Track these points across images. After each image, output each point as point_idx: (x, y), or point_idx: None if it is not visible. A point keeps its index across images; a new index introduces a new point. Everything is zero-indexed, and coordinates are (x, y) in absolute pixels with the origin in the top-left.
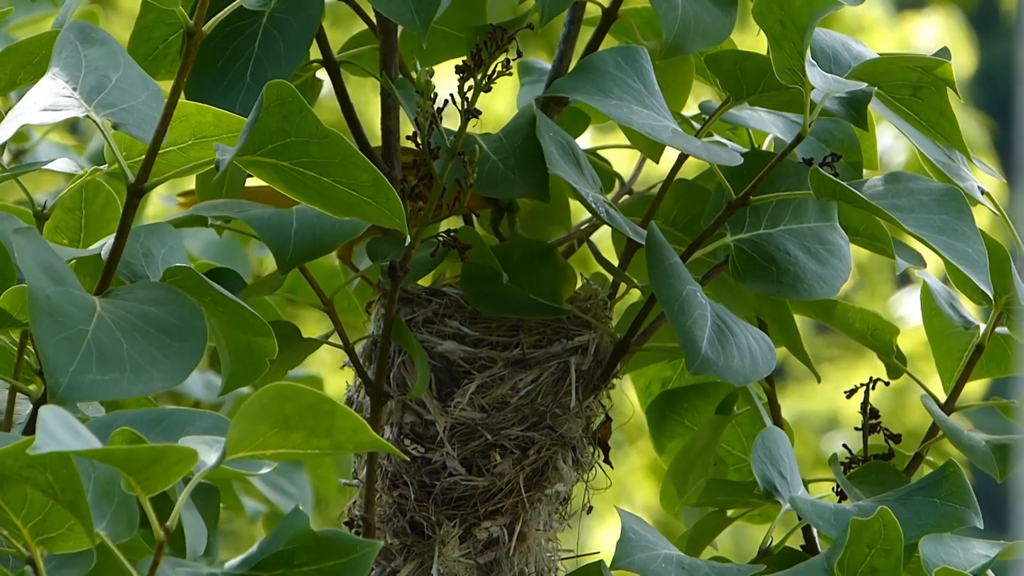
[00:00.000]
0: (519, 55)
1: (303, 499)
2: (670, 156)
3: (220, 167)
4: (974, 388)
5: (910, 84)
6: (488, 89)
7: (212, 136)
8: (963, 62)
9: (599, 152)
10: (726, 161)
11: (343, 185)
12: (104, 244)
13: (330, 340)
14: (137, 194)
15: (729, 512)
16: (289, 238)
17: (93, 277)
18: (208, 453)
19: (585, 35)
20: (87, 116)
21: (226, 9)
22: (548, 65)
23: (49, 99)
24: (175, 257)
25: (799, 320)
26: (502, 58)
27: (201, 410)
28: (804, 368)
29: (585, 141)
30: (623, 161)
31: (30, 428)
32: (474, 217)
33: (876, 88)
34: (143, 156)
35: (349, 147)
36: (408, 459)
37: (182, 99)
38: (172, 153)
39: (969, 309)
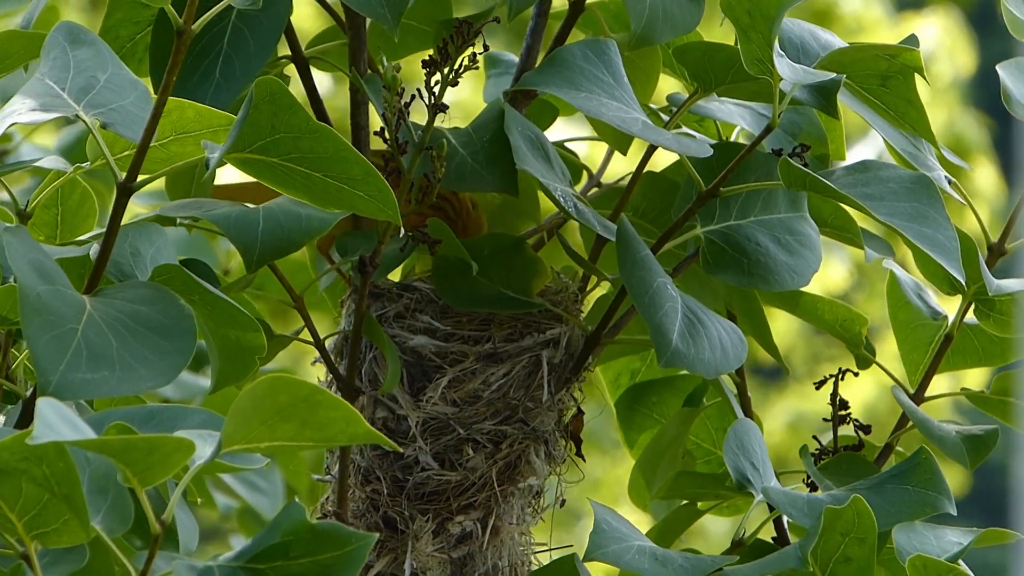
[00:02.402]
0: (486, 48)
1: (274, 495)
2: (637, 149)
3: (210, 165)
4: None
5: (879, 74)
6: (455, 83)
7: (193, 132)
8: (963, 62)
9: (566, 144)
10: (696, 152)
11: (334, 179)
12: (91, 243)
13: (301, 336)
14: (127, 192)
15: (699, 504)
16: (256, 237)
17: (80, 276)
18: (203, 446)
19: (553, 29)
20: (76, 116)
21: (215, 8)
22: (515, 57)
23: (39, 99)
24: (163, 256)
25: (795, 321)
26: (469, 52)
27: (193, 407)
28: (806, 367)
29: (554, 133)
30: (591, 153)
31: (23, 422)
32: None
33: (844, 76)
34: (126, 153)
35: (340, 141)
36: (380, 453)
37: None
38: (153, 149)
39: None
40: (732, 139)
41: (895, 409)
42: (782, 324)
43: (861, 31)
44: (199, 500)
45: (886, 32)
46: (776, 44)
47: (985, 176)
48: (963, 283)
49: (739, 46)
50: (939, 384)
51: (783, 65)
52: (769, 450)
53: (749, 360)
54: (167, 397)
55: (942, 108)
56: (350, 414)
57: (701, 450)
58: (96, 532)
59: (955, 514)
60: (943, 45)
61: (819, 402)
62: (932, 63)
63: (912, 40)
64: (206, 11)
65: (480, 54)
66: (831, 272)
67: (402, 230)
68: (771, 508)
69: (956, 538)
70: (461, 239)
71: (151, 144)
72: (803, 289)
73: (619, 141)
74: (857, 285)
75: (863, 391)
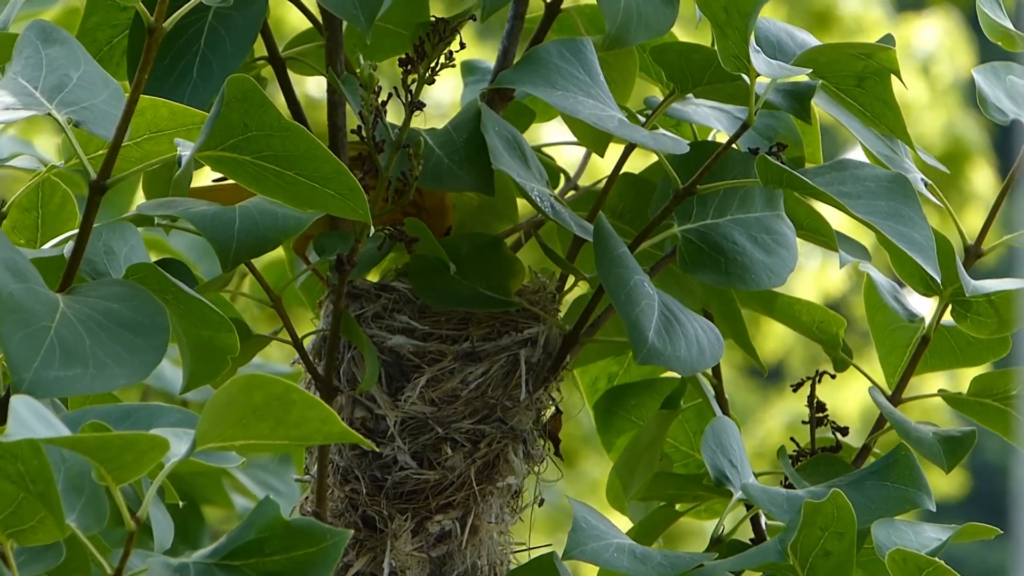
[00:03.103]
0: (462, 46)
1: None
2: (615, 152)
3: (182, 163)
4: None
5: (855, 74)
6: (432, 81)
7: (167, 130)
8: (963, 63)
9: (543, 149)
10: (673, 149)
11: (306, 178)
12: (66, 243)
13: (279, 336)
14: (99, 191)
15: (677, 506)
16: (232, 235)
17: (54, 276)
18: (178, 444)
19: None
20: (49, 114)
21: (186, 6)
22: (491, 64)
23: (10, 98)
24: (137, 255)
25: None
26: (445, 51)
27: (170, 405)
28: (806, 370)
29: (531, 139)
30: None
31: None
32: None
33: (820, 81)
34: (100, 152)
35: (312, 139)
36: (359, 452)
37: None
38: (128, 148)
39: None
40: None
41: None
42: (780, 326)
43: (861, 32)
44: (180, 503)
45: (885, 33)
46: (752, 40)
47: (984, 178)
48: (939, 282)
49: (715, 43)
50: (936, 384)
51: (759, 61)
52: (768, 451)
53: (748, 362)
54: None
55: (942, 109)
56: (326, 413)
57: (679, 453)
58: (71, 530)
59: (934, 510)
60: (943, 46)
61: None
62: (932, 64)
63: (888, 39)
64: (179, 10)
65: (457, 52)
66: (829, 275)
67: (372, 228)
68: (748, 508)
69: (935, 534)
70: (439, 239)
71: (126, 143)
72: (779, 290)
73: (595, 142)
74: (856, 287)
75: (859, 393)
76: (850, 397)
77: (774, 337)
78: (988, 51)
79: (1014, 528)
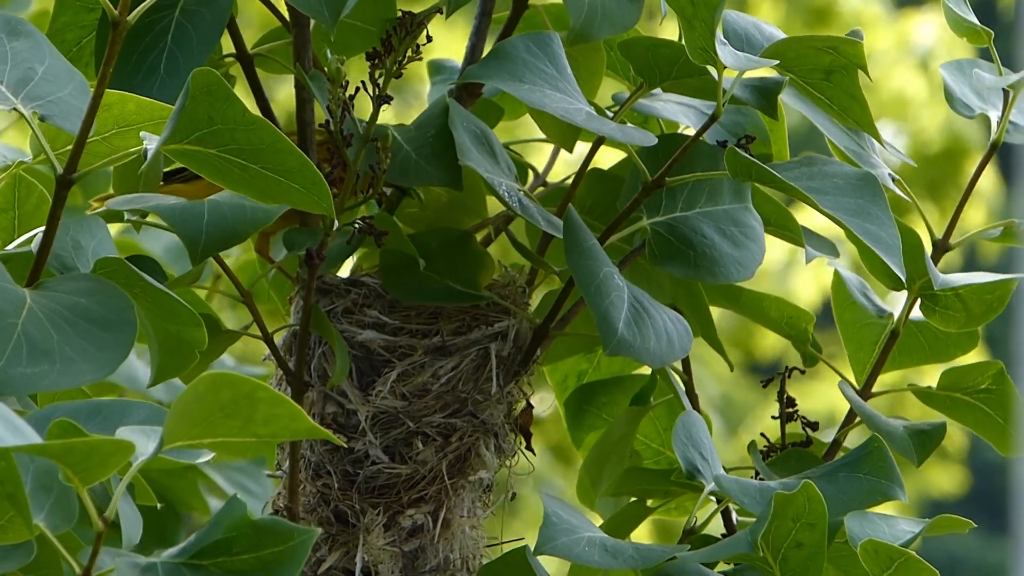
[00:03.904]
0: (429, 39)
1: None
2: (583, 148)
3: (148, 156)
4: None
5: (822, 68)
6: (399, 75)
7: (135, 124)
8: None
9: (511, 147)
10: (641, 141)
11: (271, 171)
12: (34, 239)
13: (250, 331)
14: (66, 185)
15: (649, 502)
16: (201, 229)
17: (23, 271)
18: (145, 443)
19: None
20: (14, 109)
21: (149, 0)
22: (458, 63)
23: None
24: (104, 249)
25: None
26: (412, 44)
27: (139, 400)
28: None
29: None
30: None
31: None
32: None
33: (787, 77)
34: (68, 147)
35: (276, 133)
36: (330, 447)
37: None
38: (96, 143)
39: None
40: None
41: (895, 407)
42: None
43: (860, 28)
44: (158, 504)
45: (885, 29)
46: (720, 33)
47: (984, 175)
48: (903, 279)
49: (682, 36)
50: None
51: (725, 53)
52: None
53: (747, 360)
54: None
55: (941, 105)
56: (293, 410)
57: (650, 450)
58: (40, 530)
59: (906, 501)
60: (942, 42)
61: (817, 401)
62: (931, 60)
63: (856, 34)
64: (143, 4)
65: (424, 45)
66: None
67: (337, 222)
68: (719, 503)
69: (909, 526)
70: (408, 234)
71: (94, 138)
72: (745, 286)
73: (563, 138)
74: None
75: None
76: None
77: (772, 335)
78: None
79: (1014, 527)
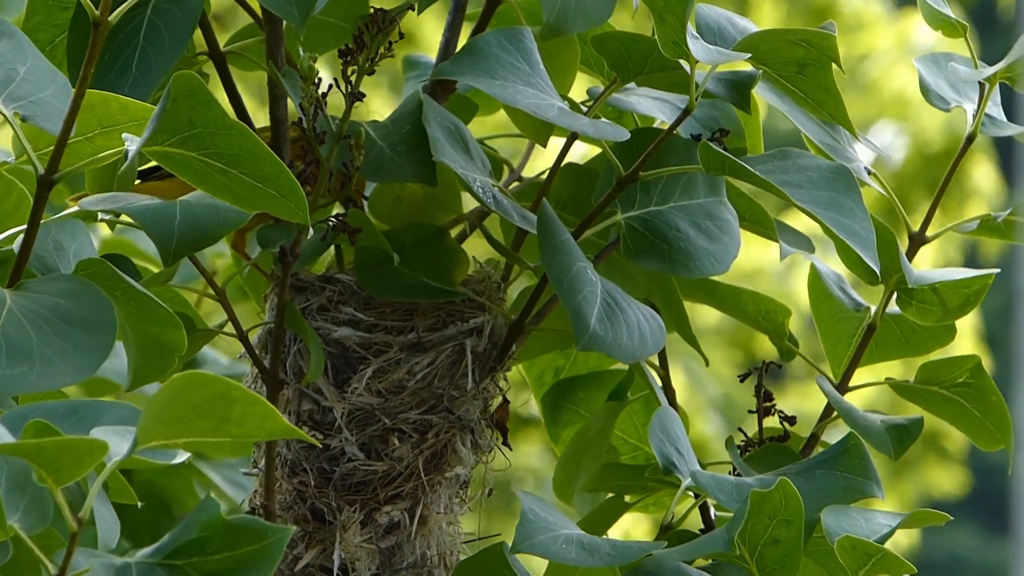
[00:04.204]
0: (401, 36)
1: None
2: (558, 143)
3: (129, 157)
4: None
5: (796, 61)
6: (371, 72)
7: (119, 125)
8: None
9: (486, 142)
10: (613, 137)
11: (249, 177)
12: (15, 238)
13: (224, 330)
14: (47, 185)
15: (627, 498)
16: (173, 229)
17: (4, 272)
18: (120, 443)
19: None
20: None
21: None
22: (432, 60)
23: None
24: (86, 251)
25: (798, 320)
26: (385, 40)
27: (114, 400)
28: (805, 367)
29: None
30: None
31: None
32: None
33: (761, 71)
34: (51, 148)
35: (255, 139)
36: (306, 445)
37: (88, 89)
38: (79, 143)
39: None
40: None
41: (896, 406)
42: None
43: (861, 28)
44: (138, 503)
45: (886, 29)
46: (691, 27)
47: (984, 174)
48: (878, 272)
49: (655, 30)
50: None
51: (697, 47)
52: None
53: (748, 361)
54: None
55: None
56: (267, 410)
57: (627, 445)
58: (14, 530)
59: (883, 498)
60: (943, 42)
61: (819, 400)
62: None
63: (829, 26)
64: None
65: (396, 42)
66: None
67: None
68: (695, 496)
69: (886, 520)
70: (382, 231)
71: (77, 138)
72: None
73: (537, 133)
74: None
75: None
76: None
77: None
78: (988, 49)
79: (1014, 527)
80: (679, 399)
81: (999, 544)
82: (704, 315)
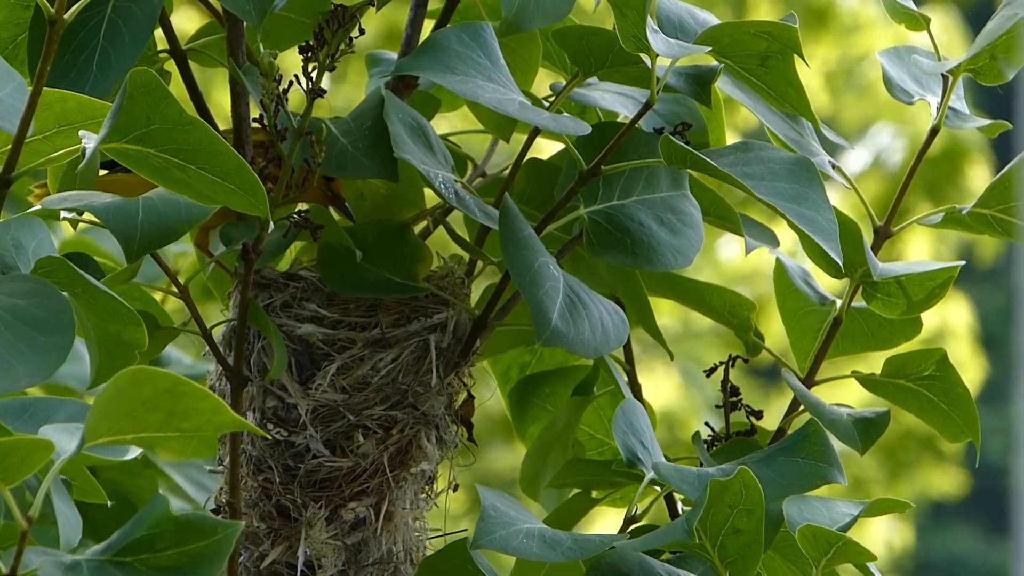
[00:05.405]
0: (362, 32)
1: None
2: (521, 138)
3: (86, 154)
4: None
5: (758, 54)
6: (332, 68)
7: (77, 123)
8: None
9: (450, 138)
10: (574, 131)
11: (208, 172)
12: None
13: (188, 327)
14: (4, 184)
15: (594, 493)
16: (135, 227)
17: None
18: (68, 441)
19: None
20: None
21: None
22: (395, 56)
23: None
24: (45, 249)
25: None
26: (345, 37)
27: (65, 398)
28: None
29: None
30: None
31: None
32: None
33: (722, 65)
34: (8, 147)
35: (213, 134)
36: (271, 442)
37: (46, 87)
38: (37, 142)
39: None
40: None
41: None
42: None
43: (858, 29)
44: (109, 503)
45: (884, 30)
46: (653, 20)
47: (982, 175)
48: (840, 264)
49: (615, 24)
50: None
51: (657, 40)
52: None
53: (749, 360)
54: None
55: None
56: (215, 404)
57: (594, 440)
58: None
59: (845, 484)
60: (940, 43)
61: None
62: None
63: (790, 18)
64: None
65: (356, 38)
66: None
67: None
68: (660, 487)
69: (847, 509)
70: (345, 227)
71: (36, 137)
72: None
73: (500, 128)
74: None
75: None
76: (850, 389)
77: (771, 335)
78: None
79: (1014, 528)
80: (675, 400)
81: (999, 545)
82: (702, 315)
